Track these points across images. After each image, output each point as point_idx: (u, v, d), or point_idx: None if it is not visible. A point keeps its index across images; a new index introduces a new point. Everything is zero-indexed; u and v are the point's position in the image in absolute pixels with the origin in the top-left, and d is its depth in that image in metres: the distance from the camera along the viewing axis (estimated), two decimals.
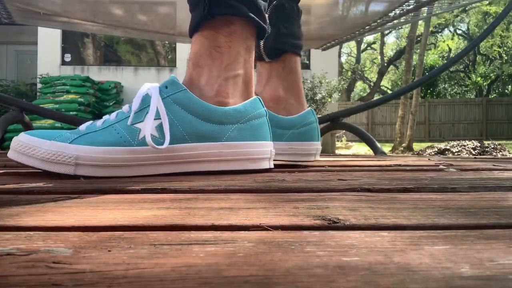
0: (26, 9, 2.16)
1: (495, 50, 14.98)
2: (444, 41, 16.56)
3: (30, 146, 0.58)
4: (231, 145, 0.63)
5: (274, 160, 0.70)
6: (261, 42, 1.06)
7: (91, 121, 0.64)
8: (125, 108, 0.63)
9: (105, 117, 0.63)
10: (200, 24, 0.66)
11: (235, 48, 0.66)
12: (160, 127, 0.60)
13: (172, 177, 0.59)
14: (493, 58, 15.67)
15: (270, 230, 0.29)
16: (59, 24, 2.76)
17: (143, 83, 0.65)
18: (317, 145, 0.86)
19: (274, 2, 1.06)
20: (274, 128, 0.77)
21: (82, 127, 0.61)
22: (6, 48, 8.81)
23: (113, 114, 0.63)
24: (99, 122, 0.62)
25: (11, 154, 0.60)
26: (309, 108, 0.88)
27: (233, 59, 0.66)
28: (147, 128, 0.58)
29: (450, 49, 15.91)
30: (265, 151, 0.66)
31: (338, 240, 0.26)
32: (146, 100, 0.61)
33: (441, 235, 0.28)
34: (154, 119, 0.60)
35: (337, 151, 6.08)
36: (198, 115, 0.62)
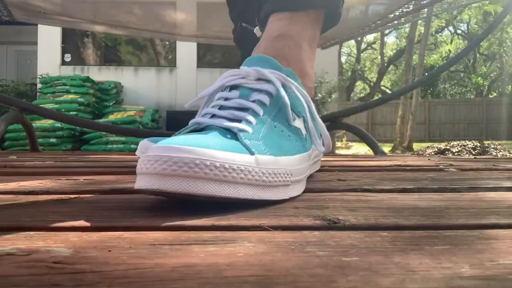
0: (26, 7, 2.17)
1: (495, 48, 14.99)
2: (444, 41, 16.57)
3: (218, 164, 0.34)
4: None
5: None
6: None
7: (222, 118, 0.43)
8: (263, 97, 0.45)
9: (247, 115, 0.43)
10: None
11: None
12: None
13: None
14: (495, 55, 15.68)
15: (270, 230, 0.29)
16: (59, 22, 2.76)
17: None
18: None
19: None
20: None
21: (245, 127, 0.41)
22: (6, 48, 8.80)
23: (256, 109, 0.44)
24: (252, 118, 0.43)
25: (169, 184, 0.33)
26: None
27: None
28: (320, 127, 0.50)
29: (449, 50, 15.91)
30: None
31: (338, 240, 0.26)
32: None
33: (441, 235, 0.28)
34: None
35: (337, 151, 6.08)
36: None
